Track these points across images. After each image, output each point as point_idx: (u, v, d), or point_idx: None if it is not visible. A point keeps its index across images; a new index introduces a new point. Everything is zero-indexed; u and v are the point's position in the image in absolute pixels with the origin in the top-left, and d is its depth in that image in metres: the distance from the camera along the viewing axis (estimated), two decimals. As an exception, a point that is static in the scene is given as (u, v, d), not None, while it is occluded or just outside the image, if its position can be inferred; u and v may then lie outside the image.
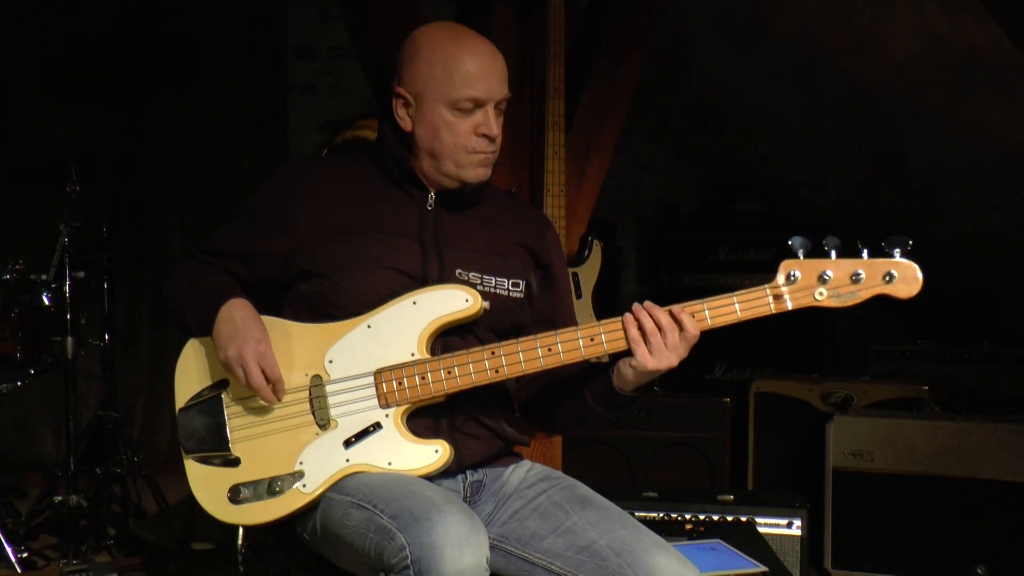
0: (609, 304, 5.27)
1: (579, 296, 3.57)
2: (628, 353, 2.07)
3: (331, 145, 5.21)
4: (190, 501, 2.25)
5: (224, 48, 5.47)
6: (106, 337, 4.19)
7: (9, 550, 3.73)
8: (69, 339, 3.91)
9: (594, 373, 2.19)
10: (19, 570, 3.69)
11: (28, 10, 5.17)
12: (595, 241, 3.61)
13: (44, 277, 3.88)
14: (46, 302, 3.88)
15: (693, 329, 2.04)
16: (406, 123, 2.22)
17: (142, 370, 5.45)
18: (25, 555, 3.78)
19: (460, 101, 2.15)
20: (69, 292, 3.90)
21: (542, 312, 2.34)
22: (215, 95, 5.49)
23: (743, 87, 4.93)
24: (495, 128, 2.18)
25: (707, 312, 2.05)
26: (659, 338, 2.04)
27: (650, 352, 2.05)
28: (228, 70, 5.49)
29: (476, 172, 2.21)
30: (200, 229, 5.47)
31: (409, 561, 1.86)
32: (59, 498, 3.88)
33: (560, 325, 2.27)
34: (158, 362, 5.43)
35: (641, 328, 2.05)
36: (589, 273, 3.60)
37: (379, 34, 3.38)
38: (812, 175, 5.38)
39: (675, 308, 2.04)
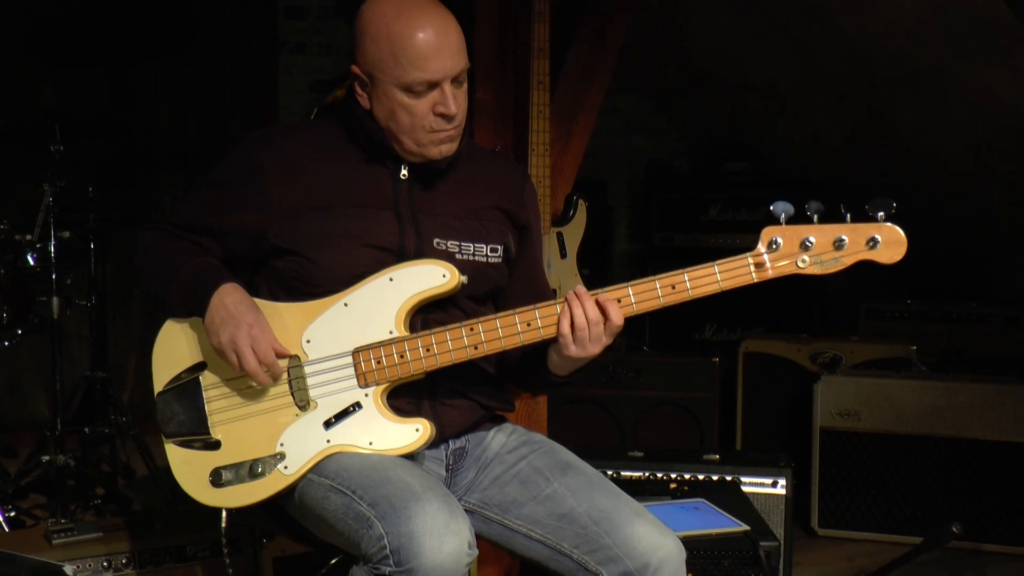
0: (599, 264, 5.30)
1: (564, 255, 3.56)
2: None
3: (321, 104, 5.18)
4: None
5: (214, 7, 5.42)
6: (92, 298, 4.17)
7: (-2, 510, 3.74)
8: (55, 299, 3.88)
9: (535, 353, 2.19)
10: (7, 529, 3.70)
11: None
12: (580, 201, 3.59)
13: (29, 237, 3.85)
14: (31, 262, 3.85)
15: (618, 320, 2.03)
16: (365, 101, 2.15)
17: (134, 331, 5.43)
18: (13, 514, 3.77)
19: (413, 84, 2.06)
20: (54, 252, 3.86)
21: (521, 275, 2.30)
22: (205, 54, 5.44)
23: (735, 47, 4.89)
24: (453, 106, 2.09)
25: (688, 282, 2.01)
26: (586, 332, 2.02)
27: (575, 342, 2.04)
28: (218, 29, 5.44)
29: (440, 149, 2.14)
30: (190, 189, 5.44)
31: (388, 551, 1.85)
32: (47, 458, 3.87)
33: (532, 288, 2.26)
34: (149, 323, 5.41)
35: (572, 321, 2.03)
36: (574, 233, 3.58)
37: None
38: (804, 135, 5.35)
39: (602, 297, 2.03)
